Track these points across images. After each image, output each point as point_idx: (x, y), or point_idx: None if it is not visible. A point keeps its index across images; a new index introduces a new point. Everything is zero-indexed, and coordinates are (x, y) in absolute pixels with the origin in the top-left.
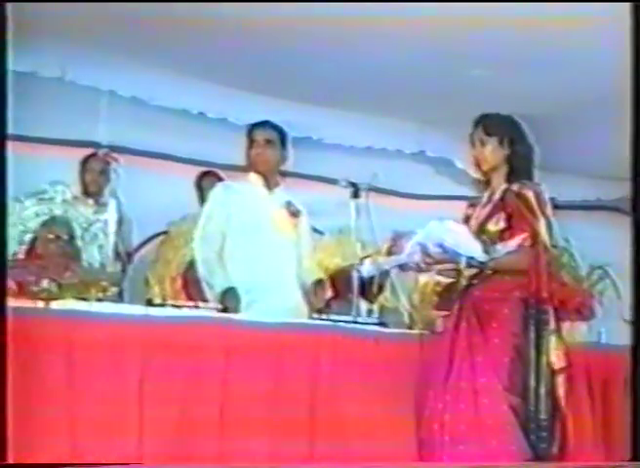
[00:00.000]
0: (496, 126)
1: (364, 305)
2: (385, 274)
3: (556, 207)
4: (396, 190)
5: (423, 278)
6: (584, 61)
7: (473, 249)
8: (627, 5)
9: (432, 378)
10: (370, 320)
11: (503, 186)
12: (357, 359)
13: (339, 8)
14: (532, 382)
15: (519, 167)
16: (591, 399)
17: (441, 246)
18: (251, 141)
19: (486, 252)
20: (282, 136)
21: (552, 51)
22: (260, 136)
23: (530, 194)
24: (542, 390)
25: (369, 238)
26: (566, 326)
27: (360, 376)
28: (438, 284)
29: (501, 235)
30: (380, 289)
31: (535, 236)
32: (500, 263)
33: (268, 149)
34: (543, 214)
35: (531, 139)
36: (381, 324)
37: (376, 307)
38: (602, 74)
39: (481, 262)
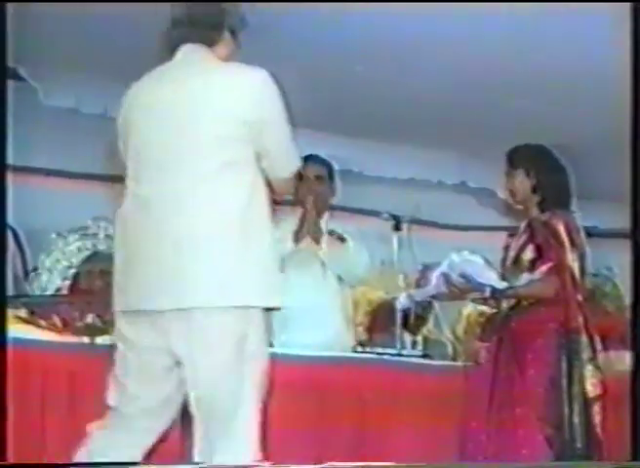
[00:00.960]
0: (521, 158)
1: (408, 337)
2: (428, 306)
3: (598, 235)
4: (438, 222)
5: (467, 309)
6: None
7: (489, 277)
8: None
9: (475, 410)
10: (414, 352)
11: (534, 216)
12: (402, 392)
13: (377, 40)
14: (566, 411)
15: (549, 196)
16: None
17: (464, 276)
18: (299, 176)
19: (504, 279)
20: (330, 171)
21: (592, 78)
22: (310, 171)
23: (558, 224)
24: (577, 419)
25: (411, 270)
26: (610, 355)
27: (405, 409)
28: (481, 314)
29: (532, 265)
30: (423, 320)
31: (561, 265)
32: (523, 292)
33: (318, 185)
34: (573, 243)
35: (563, 168)
36: (426, 356)
37: (420, 339)
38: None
39: (500, 290)
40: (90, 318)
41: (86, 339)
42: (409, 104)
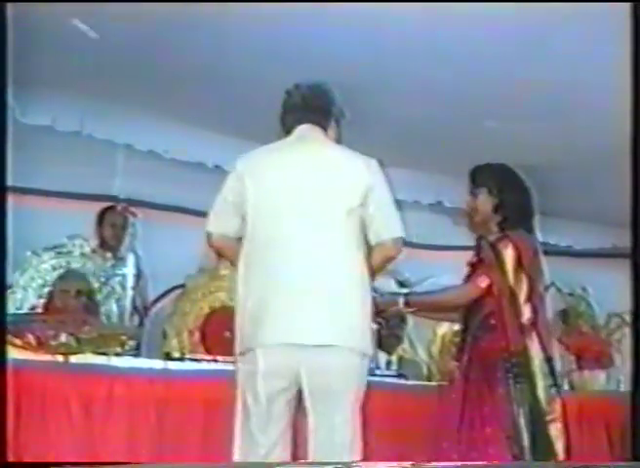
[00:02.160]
0: (484, 176)
1: (383, 357)
2: (402, 325)
3: (572, 254)
4: (414, 241)
5: (442, 329)
6: (598, 107)
7: (388, 286)
8: None
9: (446, 429)
10: (388, 372)
11: (484, 235)
12: (375, 411)
13: (350, 59)
14: (525, 432)
15: (510, 215)
16: (610, 445)
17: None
18: None
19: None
20: None
21: (566, 98)
22: None
23: (506, 246)
24: (538, 440)
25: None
26: (585, 374)
27: (378, 429)
28: (456, 334)
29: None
30: (398, 340)
31: (498, 287)
32: (436, 297)
33: None
34: (520, 265)
35: (526, 187)
36: (400, 375)
37: (394, 358)
38: (616, 119)
39: (412, 297)
40: (64, 337)
41: (60, 358)
42: (384, 125)
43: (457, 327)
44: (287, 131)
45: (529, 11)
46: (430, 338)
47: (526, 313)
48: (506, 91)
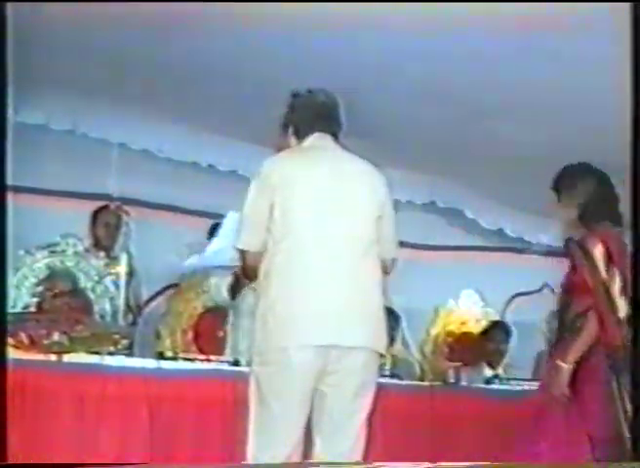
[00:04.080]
0: (565, 177)
1: None
2: (396, 325)
3: (565, 254)
4: (407, 241)
5: (435, 329)
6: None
7: None
8: None
9: (546, 429)
10: (381, 372)
11: (570, 236)
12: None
13: (351, 59)
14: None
15: (592, 211)
16: None
17: None
18: None
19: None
20: None
21: (567, 98)
22: None
23: (594, 246)
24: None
25: None
26: None
27: (372, 428)
28: (450, 334)
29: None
30: (391, 340)
31: (592, 281)
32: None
33: None
34: (608, 264)
35: (605, 179)
36: (394, 375)
37: (387, 358)
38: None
39: None
40: (57, 336)
41: (53, 357)
42: (377, 124)
43: (450, 327)
44: (298, 136)
45: (529, 11)
46: (423, 338)
47: (622, 307)
48: (503, 91)
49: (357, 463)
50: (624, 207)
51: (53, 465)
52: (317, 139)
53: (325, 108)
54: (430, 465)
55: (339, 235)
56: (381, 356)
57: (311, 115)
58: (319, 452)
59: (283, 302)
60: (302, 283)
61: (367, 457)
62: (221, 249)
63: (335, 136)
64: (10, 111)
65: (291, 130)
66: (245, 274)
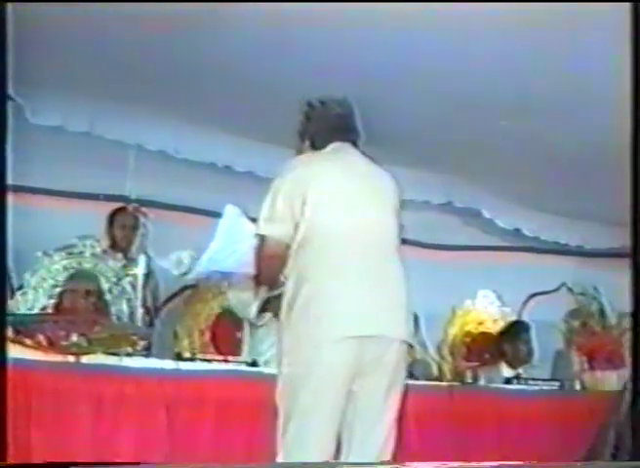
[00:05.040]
0: None
1: None
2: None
3: (583, 254)
4: (424, 242)
5: (453, 329)
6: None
7: None
8: None
9: None
10: None
11: None
12: None
13: (365, 60)
14: None
15: None
16: None
17: None
18: None
19: None
20: None
21: (566, 98)
22: None
23: None
24: None
25: None
26: (597, 374)
27: None
28: (467, 335)
29: None
30: None
31: None
32: None
33: None
34: None
35: None
36: (412, 376)
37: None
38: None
39: None
40: (75, 337)
41: (71, 358)
42: (394, 124)
43: (467, 327)
44: (314, 147)
45: (529, 11)
46: (441, 338)
47: None
48: (520, 91)
49: (382, 463)
50: (624, 206)
51: (53, 465)
52: (338, 146)
53: (340, 119)
54: (456, 465)
55: (366, 227)
56: (410, 348)
57: (327, 127)
58: (348, 453)
59: (317, 300)
60: (336, 279)
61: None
62: (221, 250)
63: (354, 143)
64: (27, 113)
65: (307, 142)
66: (258, 278)
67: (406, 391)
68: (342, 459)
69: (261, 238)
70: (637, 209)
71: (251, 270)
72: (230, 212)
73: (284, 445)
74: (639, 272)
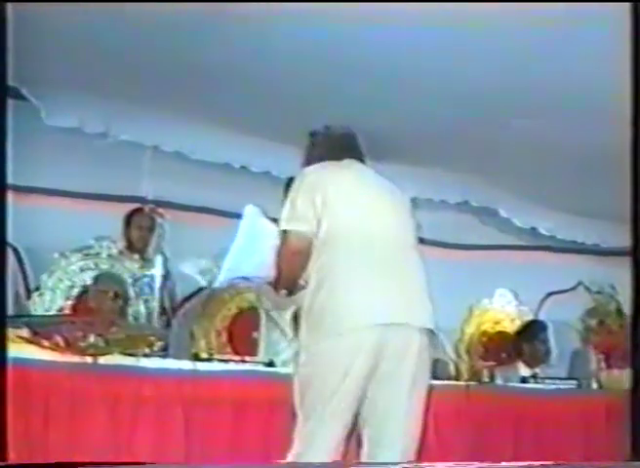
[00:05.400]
0: None
1: None
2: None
3: (600, 253)
4: (441, 241)
5: (469, 328)
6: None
7: None
8: None
9: None
10: None
11: None
12: None
13: (377, 58)
14: None
15: None
16: None
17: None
18: None
19: None
20: None
21: (566, 98)
22: None
23: None
24: None
25: None
26: (614, 373)
27: None
28: (484, 334)
29: None
30: None
31: None
32: None
33: None
34: None
35: None
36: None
37: None
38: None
39: None
40: (92, 338)
41: (89, 359)
42: (411, 124)
43: (484, 326)
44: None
45: (528, 11)
46: (458, 338)
47: None
48: (536, 90)
49: (388, 464)
50: (624, 205)
51: (53, 465)
52: (346, 162)
53: (345, 139)
54: (479, 465)
55: (387, 229)
56: (435, 336)
57: (334, 147)
58: (372, 449)
59: (338, 293)
60: (357, 274)
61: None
62: (243, 251)
63: (361, 161)
64: (42, 115)
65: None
66: (279, 278)
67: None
68: (365, 456)
69: (285, 234)
70: (637, 207)
71: (272, 273)
72: (250, 212)
73: (299, 441)
74: (639, 270)
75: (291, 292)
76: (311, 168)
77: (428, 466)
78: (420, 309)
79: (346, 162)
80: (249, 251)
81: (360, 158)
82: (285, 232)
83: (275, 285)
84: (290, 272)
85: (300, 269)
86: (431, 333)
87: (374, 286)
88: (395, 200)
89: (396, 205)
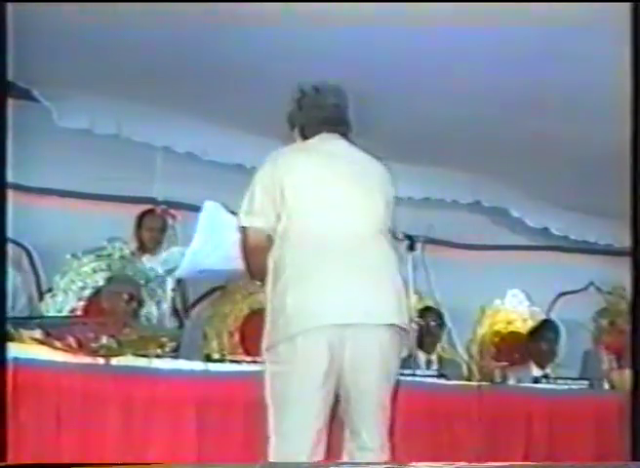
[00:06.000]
0: None
1: (422, 357)
2: (441, 324)
3: (612, 253)
4: (452, 241)
5: (482, 329)
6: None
7: None
8: None
9: None
10: (429, 372)
11: None
12: (416, 411)
13: (390, 59)
14: None
15: None
16: None
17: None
18: None
19: None
20: None
21: (567, 98)
22: None
23: None
24: None
25: (426, 290)
26: (625, 373)
27: (419, 429)
28: (496, 334)
29: None
30: (436, 339)
31: None
32: None
33: None
34: None
35: None
36: (442, 375)
37: (434, 358)
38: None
39: None
40: (105, 339)
41: (101, 360)
42: (422, 124)
43: (496, 326)
44: (304, 136)
45: (529, 11)
46: (470, 338)
47: None
48: (547, 89)
49: (382, 463)
50: (623, 199)
51: (53, 465)
52: (324, 137)
53: (333, 110)
54: (456, 465)
55: (350, 218)
56: (404, 331)
57: (318, 118)
58: (351, 447)
59: (292, 291)
60: (311, 269)
61: (414, 457)
62: (204, 245)
63: (344, 135)
64: (54, 117)
65: (297, 130)
66: (248, 270)
67: (435, 391)
68: (345, 454)
69: (243, 230)
70: (637, 208)
71: (237, 265)
72: (210, 206)
73: (275, 443)
74: (639, 270)
75: (263, 282)
76: (273, 155)
77: (411, 466)
78: (383, 305)
79: (320, 139)
80: (210, 243)
81: (344, 131)
82: (244, 228)
83: (249, 276)
84: (254, 265)
85: (264, 262)
86: (398, 329)
87: (327, 284)
88: (367, 183)
89: (367, 189)
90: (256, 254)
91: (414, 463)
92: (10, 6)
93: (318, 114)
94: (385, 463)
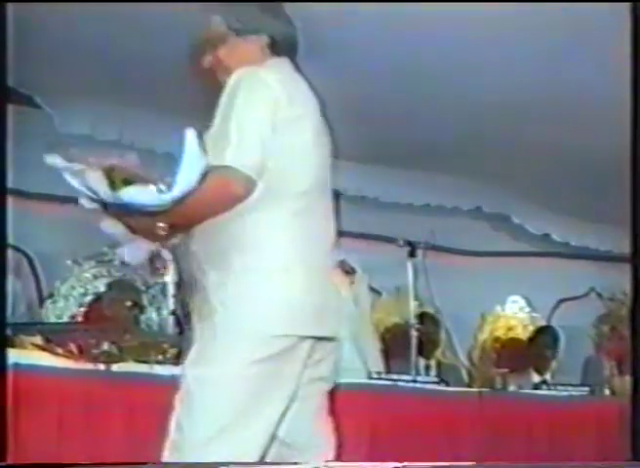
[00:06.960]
0: None
1: (422, 362)
2: (439, 329)
3: (612, 259)
4: (453, 247)
5: (483, 335)
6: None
7: None
8: None
9: None
10: (429, 378)
11: None
12: (417, 418)
13: (394, 67)
14: None
15: None
16: None
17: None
18: None
19: None
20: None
21: (566, 98)
22: None
23: None
24: None
25: (426, 296)
26: (626, 379)
27: (420, 435)
28: (497, 340)
29: None
30: (435, 344)
31: None
32: None
33: None
34: None
35: None
36: (442, 382)
37: (433, 363)
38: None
39: None
40: (106, 345)
41: (102, 366)
42: (423, 131)
43: (497, 333)
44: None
45: (528, 11)
46: (471, 344)
47: None
48: (549, 95)
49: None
50: (625, 205)
51: (53, 465)
52: (281, 62)
53: (286, 40)
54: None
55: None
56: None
57: (287, 44)
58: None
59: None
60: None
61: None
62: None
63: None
64: (55, 123)
65: (264, 39)
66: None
67: (436, 397)
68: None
69: (226, 172)
70: (637, 214)
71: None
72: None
73: (177, 444)
74: (638, 275)
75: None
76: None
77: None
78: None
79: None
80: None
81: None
82: (227, 169)
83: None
84: (201, 220)
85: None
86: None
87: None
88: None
89: None
90: (224, 209)
91: (413, 463)
92: (10, 12)
93: (285, 39)
94: (384, 463)
